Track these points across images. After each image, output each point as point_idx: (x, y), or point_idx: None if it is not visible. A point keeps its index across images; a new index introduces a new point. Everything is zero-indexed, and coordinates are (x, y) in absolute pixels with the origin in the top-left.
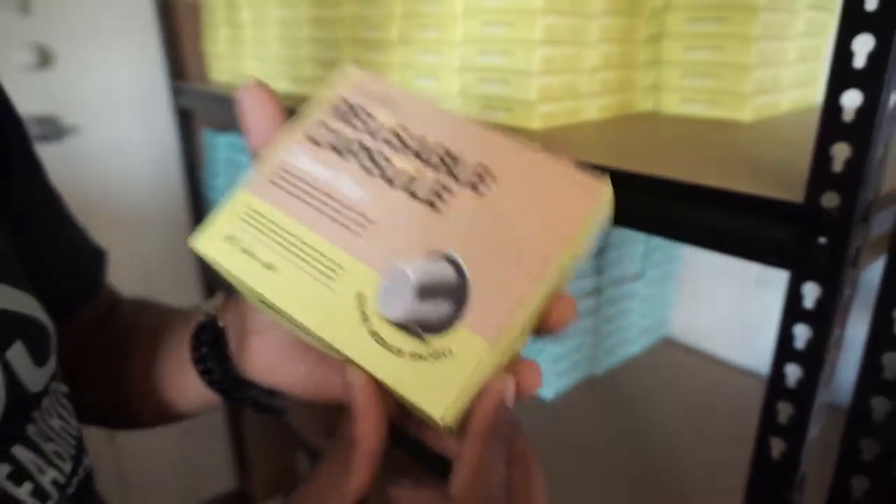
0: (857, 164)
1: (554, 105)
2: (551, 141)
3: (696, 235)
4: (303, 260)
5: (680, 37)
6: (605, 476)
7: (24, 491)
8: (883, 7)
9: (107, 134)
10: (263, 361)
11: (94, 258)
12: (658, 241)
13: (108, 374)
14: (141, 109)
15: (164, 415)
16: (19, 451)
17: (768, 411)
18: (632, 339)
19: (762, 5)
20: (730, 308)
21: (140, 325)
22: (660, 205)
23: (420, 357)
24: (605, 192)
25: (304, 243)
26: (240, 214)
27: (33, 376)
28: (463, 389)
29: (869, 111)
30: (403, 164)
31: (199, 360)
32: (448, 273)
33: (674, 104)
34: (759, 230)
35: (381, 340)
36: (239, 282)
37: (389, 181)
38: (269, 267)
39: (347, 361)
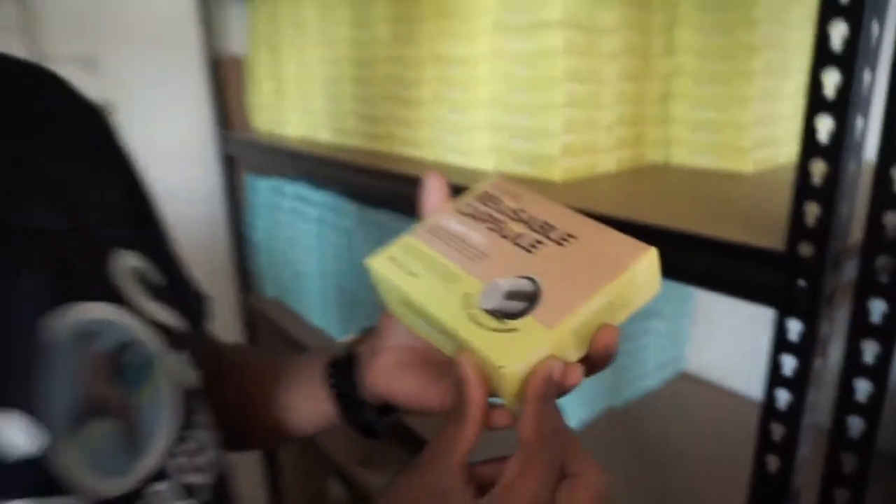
0: (826, 220)
1: (574, 159)
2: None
3: (695, 277)
4: (435, 272)
5: (687, 98)
6: None
7: (201, 461)
8: (839, 96)
9: (158, 177)
10: (385, 374)
11: (199, 301)
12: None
13: (219, 410)
14: (189, 156)
15: (273, 438)
16: (198, 434)
17: (763, 432)
18: (649, 374)
19: (758, 70)
20: (742, 343)
21: (247, 365)
22: (664, 251)
23: (497, 331)
24: (649, 253)
25: (438, 263)
26: (402, 247)
27: (194, 376)
28: (522, 353)
29: (833, 177)
30: (515, 227)
31: (334, 385)
32: (528, 286)
33: (683, 156)
34: (748, 273)
35: (473, 319)
36: (391, 286)
37: (503, 235)
38: (413, 274)
39: (455, 346)
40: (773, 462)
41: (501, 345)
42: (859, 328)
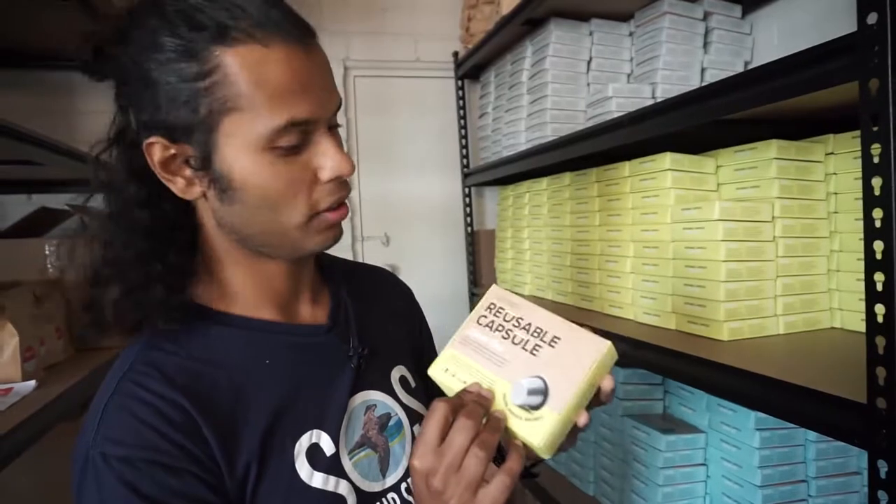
0: (892, 382)
1: (739, 323)
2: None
3: (809, 423)
4: (474, 377)
5: (852, 273)
6: None
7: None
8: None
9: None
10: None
11: None
12: None
13: None
14: (448, 305)
15: None
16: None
17: None
18: None
19: None
20: None
21: None
22: (780, 398)
23: (528, 420)
24: (607, 345)
25: (478, 371)
26: (449, 359)
27: None
28: (547, 434)
29: (892, 351)
30: (519, 334)
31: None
32: (540, 384)
33: (854, 323)
34: (849, 422)
35: (512, 412)
36: (451, 391)
37: (514, 343)
38: (461, 381)
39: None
40: None
41: (533, 430)
42: None
